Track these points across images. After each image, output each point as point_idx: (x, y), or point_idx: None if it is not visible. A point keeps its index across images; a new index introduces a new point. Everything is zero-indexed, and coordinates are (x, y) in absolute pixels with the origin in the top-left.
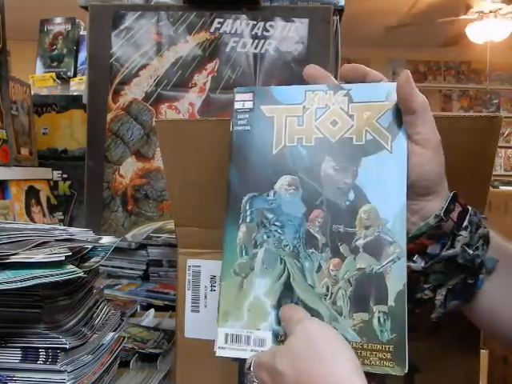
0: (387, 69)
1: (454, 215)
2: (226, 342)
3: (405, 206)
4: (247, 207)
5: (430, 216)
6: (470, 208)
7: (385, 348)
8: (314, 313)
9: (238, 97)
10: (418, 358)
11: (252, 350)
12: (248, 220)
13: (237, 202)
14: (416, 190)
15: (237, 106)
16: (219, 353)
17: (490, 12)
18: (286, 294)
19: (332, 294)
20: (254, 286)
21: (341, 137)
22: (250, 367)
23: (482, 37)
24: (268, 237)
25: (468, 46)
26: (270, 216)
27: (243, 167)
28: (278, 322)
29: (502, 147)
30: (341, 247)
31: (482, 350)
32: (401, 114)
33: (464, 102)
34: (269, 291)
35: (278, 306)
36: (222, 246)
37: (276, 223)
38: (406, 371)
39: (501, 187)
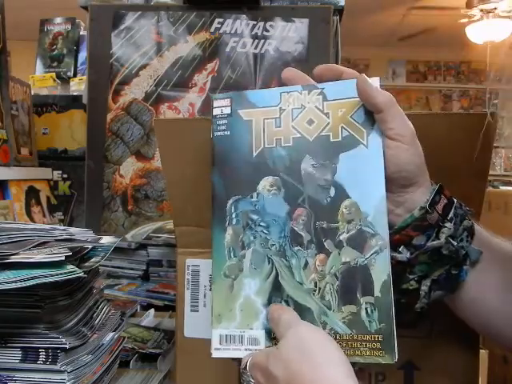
0: (387, 69)
1: (440, 207)
2: (221, 343)
3: (384, 198)
4: (232, 210)
5: (415, 208)
6: (455, 200)
7: (374, 338)
8: (304, 309)
9: (215, 103)
10: (417, 357)
11: (246, 349)
12: (234, 222)
13: (222, 206)
14: (396, 182)
15: (215, 112)
16: (215, 354)
17: (490, 12)
18: (276, 292)
19: (320, 288)
20: (244, 286)
21: (318, 135)
22: (245, 367)
23: (481, 37)
24: (254, 237)
25: (468, 46)
26: (255, 217)
27: (226, 171)
28: None
29: (502, 147)
30: (325, 243)
31: (481, 350)
32: None
33: (464, 101)
34: (259, 291)
35: (269, 304)
36: (211, 250)
37: (261, 224)
38: (396, 359)
39: (501, 187)
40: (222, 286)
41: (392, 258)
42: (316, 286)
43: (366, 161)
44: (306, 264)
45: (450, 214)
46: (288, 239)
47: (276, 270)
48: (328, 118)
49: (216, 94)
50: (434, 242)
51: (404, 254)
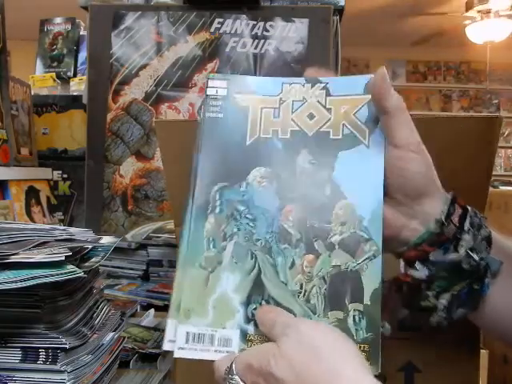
0: (387, 69)
1: (455, 218)
2: (187, 341)
3: (381, 203)
4: (217, 197)
5: (429, 221)
6: (469, 208)
7: (360, 347)
8: (287, 311)
9: (210, 83)
10: (417, 358)
11: (216, 351)
12: (217, 211)
13: (205, 192)
14: (405, 193)
15: (209, 92)
16: (178, 354)
17: (489, 12)
18: (256, 290)
19: (306, 291)
20: (221, 281)
21: (317, 130)
22: (230, 371)
23: (481, 37)
24: (238, 229)
25: (468, 46)
26: (242, 208)
27: (213, 156)
28: (247, 320)
29: (501, 147)
30: (315, 243)
31: (482, 350)
32: None
33: (464, 101)
34: (238, 287)
35: (248, 302)
36: (181, 238)
37: (248, 216)
38: (380, 370)
39: (501, 187)
40: (196, 277)
41: (407, 275)
42: (301, 288)
43: (366, 161)
44: (293, 264)
45: (467, 225)
46: (275, 236)
47: (259, 266)
48: (330, 113)
49: (213, 74)
50: (453, 256)
51: (421, 272)
